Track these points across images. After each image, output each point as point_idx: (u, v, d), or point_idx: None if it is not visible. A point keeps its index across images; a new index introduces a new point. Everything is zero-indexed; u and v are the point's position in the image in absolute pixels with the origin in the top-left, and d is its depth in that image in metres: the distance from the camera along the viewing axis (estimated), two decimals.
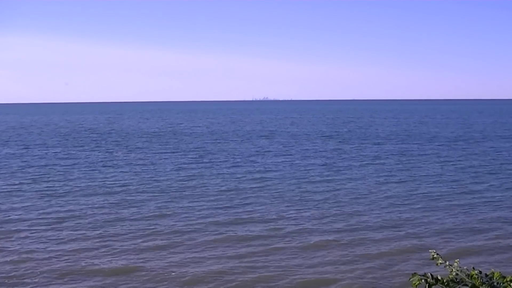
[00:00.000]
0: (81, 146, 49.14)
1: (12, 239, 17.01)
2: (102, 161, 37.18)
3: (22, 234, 17.52)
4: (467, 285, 4.15)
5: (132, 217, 19.73)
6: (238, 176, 29.53)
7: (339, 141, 52.48)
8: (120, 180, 28.25)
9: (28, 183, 27.47)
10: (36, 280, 13.46)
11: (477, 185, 26.31)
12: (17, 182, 27.91)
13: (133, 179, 28.68)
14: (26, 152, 43.88)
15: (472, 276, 4.18)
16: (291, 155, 40.36)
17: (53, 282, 13.36)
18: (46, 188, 25.92)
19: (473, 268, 4.28)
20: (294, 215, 19.89)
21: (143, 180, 28.18)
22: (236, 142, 52.69)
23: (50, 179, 28.89)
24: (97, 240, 16.76)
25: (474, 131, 65.75)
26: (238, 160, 37.09)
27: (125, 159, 38.03)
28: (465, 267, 4.28)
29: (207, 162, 35.79)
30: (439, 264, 4.35)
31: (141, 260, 14.80)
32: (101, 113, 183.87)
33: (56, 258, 15.11)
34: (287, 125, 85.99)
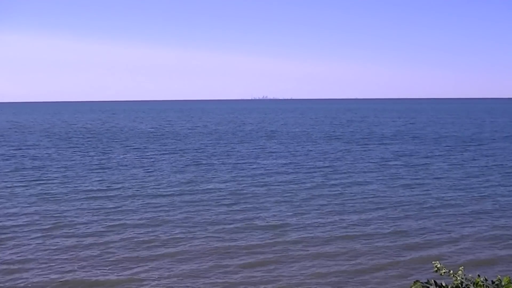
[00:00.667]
0: (76, 147, 48.80)
1: (2, 246, 16.59)
2: (97, 163, 36.85)
3: (13, 242, 17.10)
4: None
5: (129, 224, 19.33)
6: (239, 179, 29.21)
7: (344, 142, 52.22)
8: (117, 183, 27.89)
9: (20, 187, 27.08)
10: None
11: (490, 189, 25.92)
12: (8, 185, 27.53)
13: (130, 182, 28.32)
14: (18, 153, 43.48)
15: (477, 283, 4.20)
16: (294, 156, 40.05)
17: None
18: (39, 192, 25.53)
19: (478, 275, 4.27)
20: (298, 221, 19.53)
21: (141, 184, 27.82)
22: (236, 142, 52.41)
23: (43, 182, 28.52)
24: (92, 249, 16.35)
25: (485, 131, 65.44)
26: (239, 162, 36.77)
27: (121, 161, 37.71)
28: (469, 275, 4.24)
29: (206, 164, 35.47)
30: (443, 274, 4.33)
31: (139, 271, 14.39)
32: (96, 112, 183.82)
33: (48, 268, 14.69)
34: (289, 125, 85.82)
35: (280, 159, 38.18)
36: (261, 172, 31.80)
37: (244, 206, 22.12)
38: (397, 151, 43.04)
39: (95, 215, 20.68)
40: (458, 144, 48.71)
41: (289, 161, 36.96)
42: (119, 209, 21.77)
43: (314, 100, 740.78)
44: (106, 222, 19.63)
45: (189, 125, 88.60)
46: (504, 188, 26.11)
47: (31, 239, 17.49)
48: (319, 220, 19.78)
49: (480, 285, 4.18)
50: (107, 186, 27.07)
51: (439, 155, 40.40)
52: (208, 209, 21.60)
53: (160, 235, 17.83)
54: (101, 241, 17.16)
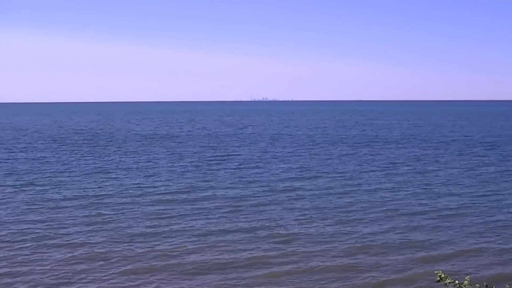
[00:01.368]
0: (70, 150, 48.40)
1: None
2: (93, 167, 36.47)
3: (2, 254, 16.62)
4: None
5: (125, 235, 18.88)
6: (241, 185, 28.81)
7: (349, 146, 51.86)
8: (112, 190, 27.47)
9: (11, 192, 26.68)
10: None
11: (504, 196, 25.44)
12: None
13: (126, 188, 27.91)
14: (10, 157, 43.06)
15: None
16: (298, 161, 39.67)
17: None
18: (31, 198, 25.10)
19: (486, 285, 4.37)
20: (304, 231, 19.14)
21: (138, 190, 27.41)
22: (237, 146, 52.04)
23: (36, 187, 28.09)
24: (88, 260, 15.88)
25: (496, 135, 65.02)
26: (240, 166, 36.41)
27: (117, 165, 37.32)
28: (477, 284, 4.22)
29: (206, 169, 35.10)
30: (447, 284, 4.33)
31: (138, 284, 13.93)
32: (91, 114, 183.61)
33: (40, 281, 14.22)
34: (291, 128, 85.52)
35: (284, 164, 37.79)
36: (264, 177, 31.44)
37: (247, 215, 21.72)
38: (405, 156, 42.64)
39: (91, 224, 20.23)
40: (468, 148, 48.30)
41: (293, 166, 36.58)
42: (116, 217, 21.34)
43: (316, 102, 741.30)
44: (102, 231, 19.19)
45: (187, 128, 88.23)
46: None
47: (21, 249, 17.02)
48: (325, 230, 19.34)
49: None
50: (103, 192, 26.65)
51: (448, 160, 39.96)
52: (209, 218, 21.19)
53: (159, 246, 17.38)
54: (97, 252, 16.69)
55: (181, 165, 37.06)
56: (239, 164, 37.46)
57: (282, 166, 36.26)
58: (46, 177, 31.75)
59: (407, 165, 36.61)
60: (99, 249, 17.00)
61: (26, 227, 19.79)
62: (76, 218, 21.05)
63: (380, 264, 15.64)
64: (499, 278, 14.29)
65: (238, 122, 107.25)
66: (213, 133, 73.07)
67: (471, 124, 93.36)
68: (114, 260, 15.93)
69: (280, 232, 18.98)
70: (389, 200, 24.54)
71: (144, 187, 28.17)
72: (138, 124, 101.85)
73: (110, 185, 28.84)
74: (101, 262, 15.72)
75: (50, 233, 18.93)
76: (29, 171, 34.35)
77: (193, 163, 38.21)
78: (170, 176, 32.04)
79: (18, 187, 28.06)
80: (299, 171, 33.89)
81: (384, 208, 22.83)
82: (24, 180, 30.37)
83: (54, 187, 28.20)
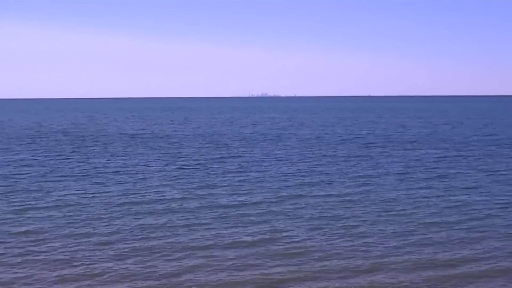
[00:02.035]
0: (52, 151, 48.03)
1: None
2: (76, 171, 36.11)
3: None
4: None
5: (114, 250, 18.41)
6: (242, 190, 28.43)
7: (360, 146, 51.57)
8: (99, 197, 27.06)
9: None
10: None
11: None
12: None
13: (115, 196, 27.49)
14: None
15: None
16: (304, 163, 39.33)
17: None
18: (8, 206, 24.66)
19: None
20: (313, 245, 18.73)
21: (127, 197, 26.99)
22: (236, 147, 51.74)
23: (12, 195, 27.68)
24: (72, 281, 15.41)
25: None
26: (241, 170, 36.08)
27: (104, 169, 36.96)
28: None
29: (203, 173, 34.75)
30: None
31: None
32: (74, 111, 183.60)
33: None
34: (295, 126, 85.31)
35: (289, 167, 37.45)
36: (267, 182, 31.08)
37: (250, 226, 21.28)
38: (422, 158, 42.29)
39: (76, 238, 19.79)
40: (495, 149, 47.92)
41: (299, 169, 36.23)
42: (104, 229, 20.90)
43: (321, 98, 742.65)
44: (88, 244, 18.72)
45: (181, 126, 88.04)
46: None
47: (1, 266, 16.56)
48: (336, 243, 18.88)
49: None
50: (88, 200, 26.22)
51: (473, 162, 39.55)
52: (208, 230, 20.74)
53: (152, 263, 16.91)
54: (83, 269, 16.22)
55: (175, 169, 36.72)
56: (239, 168, 37.11)
57: (287, 170, 35.93)
58: (23, 183, 31.35)
59: (426, 169, 36.22)
60: (85, 266, 16.52)
61: (1, 241, 19.32)
62: (59, 230, 20.59)
63: (400, 286, 15.16)
64: None
65: (237, 121, 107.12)
66: (209, 132, 72.82)
67: (495, 122, 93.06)
68: (103, 279, 15.45)
69: (287, 246, 18.50)
70: (407, 209, 24.08)
71: (134, 194, 27.74)
72: (126, 123, 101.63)
73: (96, 191, 28.41)
74: (88, 282, 15.24)
75: (31, 248, 18.46)
76: (4, 176, 33.91)
77: (188, 167, 37.87)
78: (163, 181, 31.64)
79: None
80: (306, 175, 33.54)
81: (402, 219, 22.35)
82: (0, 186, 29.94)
83: (33, 194, 27.77)
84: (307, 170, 35.67)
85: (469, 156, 43.37)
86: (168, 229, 20.58)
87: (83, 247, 18.36)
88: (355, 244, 18.67)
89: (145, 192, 28.03)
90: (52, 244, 18.74)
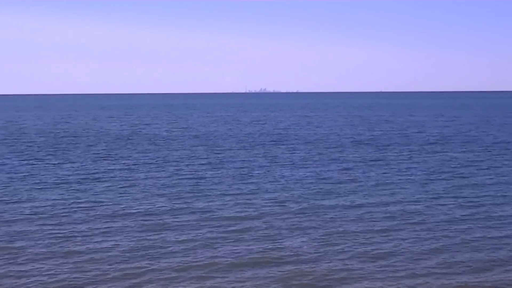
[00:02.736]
0: (25, 154, 47.63)
1: None
2: (54, 177, 35.75)
3: None
4: None
5: (97, 272, 17.84)
6: (242, 198, 28.04)
7: (374, 148, 51.28)
8: (79, 208, 26.61)
9: None
10: None
11: None
12: None
13: (97, 206, 27.09)
14: None
15: None
16: (311, 167, 39.01)
17: None
18: None
19: None
20: (324, 267, 18.32)
21: (111, 209, 26.55)
22: (233, 150, 51.38)
23: None
24: None
25: None
26: (239, 177, 35.72)
27: (85, 175, 36.59)
28: None
29: (197, 178, 34.37)
30: None
31: None
32: (52, 109, 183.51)
33: None
34: (300, 126, 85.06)
35: (294, 173, 37.09)
36: (270, 191, 30.72)
37: (252, 241, 20.89)
38: (445, 162, 41.95)
39: (53, 257, 19.28)
40: None
41: (305, 175, 35.88)
42: (85, 247, 20.43)
43: (327, 94, 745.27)
44: (68, 264, 18.23)
45: (171, 126, 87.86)
46: None
47: None
48: (351, 265, 18.40)
49: None
50: (68, 211, 25.78)
51: (504, 168, 39.09)
52: (204, 247, 20.28)
53: (142, 283, 16.33)
54: None
55: (165, 176, 36.36)
56: (238, 175, 36.71)
57: (292, 177, 35.54)
58: None
59: (452, 176, 35.78)
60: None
61: None
62: (34, 248, 20.13)
63: None
64: None
65: (233, 120, 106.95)
66: (203, 133, 72.59)
67: None
68: None
69: (295, 267, 18.02)
70: (430, 224, 23.67)
71: (119, 204, 27.33)
72: (110, 122, 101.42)
73: (76, 201, 27.98)
74: None
75: (3, 268, 17.97)
76: None
77: (180, 172, 37.50)
78: (152, 190, 31.24)
79: None
80: (313, 183, 33.15)
81: (426, 235, 21.94)
82: None
83: (4, 204, 27.30)
84: (314, 177, 35.26)
85: (500, 161, 42.90)
86: (158, 248, 20.12)
87: (62, 269, 17.82)
88: (375, 265, 18.16)
89: (132, 203, 27.59)
90: (25, 266, 18.22)
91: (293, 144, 56.52)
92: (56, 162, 43.15)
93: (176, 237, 21.36)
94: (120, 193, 30.03)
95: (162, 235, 21.56)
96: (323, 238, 21.07)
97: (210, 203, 27.31)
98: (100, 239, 21.03)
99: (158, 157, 45.90)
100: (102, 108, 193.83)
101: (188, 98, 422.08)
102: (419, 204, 26.85)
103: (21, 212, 25.62)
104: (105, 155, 47.65)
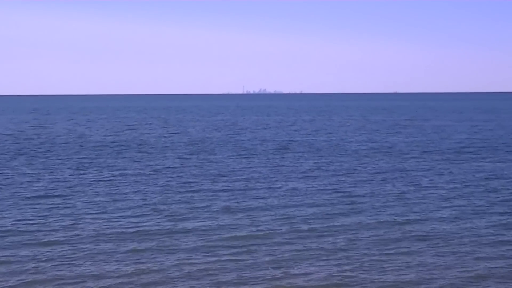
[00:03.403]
0: None
1: None
2: (29, 189, 35.62)
3: None
4: None
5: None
6: (245, 223, 27.71)
7: (392, 158, 51.19)
8: (58, 225, 26.44)
9: None
10: None
11: None
12: None
13: (79, 223, 26.93)
14: None
15: None
16: (323, 179, 38.90)
17: None
18: None
19: None
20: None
21: (93, 226, 26.40)
22: (232, 159, 51.21)
23: None
24: None
25: None
26: (239, 190, 35.59)
27: (64, 186, 36.49)
28: None
29: (194, 191, 34.19)
30: None
31: None
32: (24, 112, 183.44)
33: None
34: (308, 132, 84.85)
35: (302, 186, 36.95)
36: (275, 203, 30.72)
37: (257, 260, 20.70)
38: (477, 173, 41.82)
39: (30, 284, 18.80)
40: None
41: (316, 187, 35.79)
42: (64, 267, 20.14)
43: (334, 96, 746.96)
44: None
45: (162, 132, 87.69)
46: None
47: None
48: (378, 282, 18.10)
49: None
50: (46, 228, 25.61)
51: None
52: (207, 277, 19.99)
53: None
54: None
55: (155, 189, 36.24)
56: (238, 188, 36.57)
57: (300, 190, 35.40)
58: None
59: (485, 190, 35.56)
60: None
61: None
62: (6, 272, 19.87)
63: None
64: None
65: (231, 124, 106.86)
66: (197, 139, 72.44)
67: None
68: None
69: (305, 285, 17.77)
70: (461, 245, 23.44)
71: (104, 222, 27.15)
72: (92, 127, 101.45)
73: (55, 218, 27.81)
74: None
75: None
76: None
77: (172, 185, 37.36)
78: (141, 206, 31.05)
79: None
80: (325, 197, 32.99)
81: (454, 262, 21.69)
82: None
83: None
84: (326, 191, 35.07)
85: None
86: (152, 273, 19.89)
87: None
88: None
89: (119, 221, 27.39)
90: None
91: (300, 152, 56.32)
92: (32, 173, 43.01)
93: (171, 261, 21.11)
94: (105, 209, 29.83)
95: (155, 259, 21.34)
96: (338, 264, 20.85)
97: (208, 222, 27.09)
98: (81, 262, 20.81)
99: (147, 167, 45.71)
100: (84, 110, 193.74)
101: (180, 100, 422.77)
102: (446, 223, 26.66)
103: None
104: (88, 165, 47.48)
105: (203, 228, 25.77)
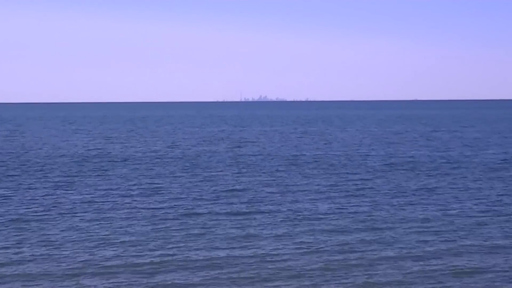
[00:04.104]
0: None
1: None
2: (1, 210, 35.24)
3: None
4: None
5: None
6: (250, 244, 27.56)
7: (416, 174, 51.17)
8: (34, 252, 26.22)
9: None
10: None
11: None
12: None
13: (56, 253, 26.69)
14: None
15: None
16: (338, 198, 38.94)
17: None
18: None
19: None
20: None
21: (75, 258, 26.15)
22: (233, 176, 51.12)
23: None
24: None
25: None
26: (245, 211, 35.49)
27: (38, 209, 36.29)
28: None
29: (187, 218, 33.99)
30: None
31: None
32: None
33: None
34: (318, 146, 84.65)
35: (313, 205, 37.07)
36: (284, 228, 30.59)
37: None
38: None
39: None
40: None
41: (329, 209, 35.77)
42: None
43: (344, 103, 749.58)
44: None
45: (150, 145, 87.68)
46: None
47: None
48: None
49: None
50: (17, 259, 25.37)
51: None
52: None
53: None
54: None
55: (143, 210, 36.15)
56: (241, 210, 36.47)
57: (311, 212, 35.29)
58: None
59: None
60: None
61: None
62: None
63: None
64: None
65: (228, 137, 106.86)
66: (191, 154, 72.50)
67: None
68: None
69: None
70: (499, 281, 23.12)
71: (84, 252, 26.93)
72: (72, 139, 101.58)
73: (27, 246, 27.61)
74: None
75: None
76: None
77: (162, 207, 37.18)
78: (126, 230, 30.94)
79: None
80: (339, 220, 32.91)
81: None
82: None
83: None
84: (341, 214, 34.87)
85: None
86: None
87: None
88: None
89: (100, 251, 27.14)
90: None
91: (309, 169, 56.18)
92: (1, 193, 42.84)
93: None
94: (88, 237, 29.65)
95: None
96: None
97: (206, 253, 26.89)
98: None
99: (134, 187, 45.59)
100: (62, 120, 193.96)
101: (170, 109, 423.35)
102: (480, 255, 26.43)
103: None
104: (66, 184, 47.39)
105: (201, 259, 25.55)
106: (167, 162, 63.33)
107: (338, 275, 23.02)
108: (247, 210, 35.85)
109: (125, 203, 38.54)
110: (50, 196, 41.41)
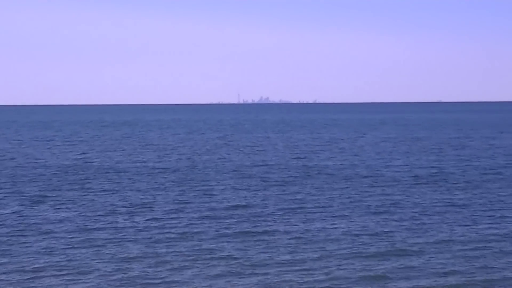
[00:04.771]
0: None
1: None
2: None
3: None
4: None
5: None
6: (256, 268, 27.52)
7: (447, 188, 51.15)
8: (9, 277, 26.26)
9: None
10: None
11: None
12: None
13: (35, 276, 26.77)
14: None
15: None
16: (356, 215, 39.27)
17: None
18: None
19: None
20: None
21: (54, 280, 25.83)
22: (235, 189, 51.16)
23: None
24: None
25: None
26: (249, 231, 35.53)
27: (10, 226, 36.28)
28: None
29: (182, 236, 34.08)
30: None
31: None
32: None
33: None
34: (333, 155, 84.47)
35: (328, 223, 37.30)
36: (295, 250, 30.62)
37: None
38: None
39: None
40: None
41: (346, 228, 35.88)
42: None
43: (358, 106, 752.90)
44: None
45: (140, 155, 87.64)
46: None
47: None
48: None
49: None
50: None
51: None
52: None
53: None
54: None
55: (131, 229, 36.22)
56: (243, 228, 36.47)
57: (326, 231, 35.38)
58: None
59: None
60: None
61: None
62: None
63: None
64: None
65: (227, 144, 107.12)
66: (185, 164, 72.59)
67: None
68: None
69: None
70: None
71: (64, 278, 26.69)
72: (49, 147, 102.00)
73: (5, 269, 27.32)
74: None
75: None
76: None
77: (152, 226, 37.21)
78: (111, 252, 30.95)
79: None
80: (359, 241, 32.96)
81: None
82: None
83: None
84: (360, 236, 34.77)
85: None
86: None
87: None
88: None
89: (83, 277, 26.96)
90: None
91: (322, 180, 56.20)
92: None
93: None
94: (69, 259, 29.54)
95: None
96: None
97: (205, 281, 26.65)
98: None
99: (121, 201, 45.59)
100: (38, 125, 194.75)
101: (160, 112, 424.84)
102: None
103: None
104: (44, 198, 47.43)
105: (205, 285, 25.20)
106: (156, 174, 63.22)
107: None
108: (249, 229, 35.94)
109: (110, 220, 38.55)
110: (24, 212, 41.56)
